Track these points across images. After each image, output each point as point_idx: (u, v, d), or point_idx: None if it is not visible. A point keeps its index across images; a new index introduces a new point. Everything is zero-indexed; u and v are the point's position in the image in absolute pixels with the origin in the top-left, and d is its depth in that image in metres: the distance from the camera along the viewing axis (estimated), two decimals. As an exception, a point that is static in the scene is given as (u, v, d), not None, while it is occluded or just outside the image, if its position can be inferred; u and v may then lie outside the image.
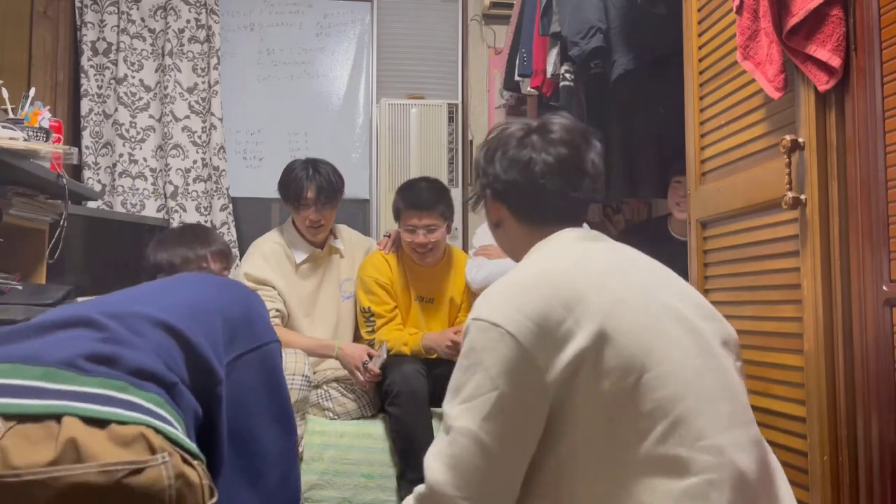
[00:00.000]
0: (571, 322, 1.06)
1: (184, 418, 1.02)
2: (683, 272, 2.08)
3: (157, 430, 0.93)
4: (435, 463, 1.09)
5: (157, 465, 0.89)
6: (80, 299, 1.91)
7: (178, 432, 0.96)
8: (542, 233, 1.26)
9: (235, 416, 1.21)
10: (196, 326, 1.16)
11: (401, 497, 2.42)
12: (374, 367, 2.53)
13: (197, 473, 0.95)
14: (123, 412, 0.92)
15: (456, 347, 2.45)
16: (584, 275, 1.13)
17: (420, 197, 2.67)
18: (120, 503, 0.86)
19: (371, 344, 2.69)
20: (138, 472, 0.87)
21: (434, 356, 2.59)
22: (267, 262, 2.73)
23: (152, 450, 0.90)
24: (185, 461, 0.94)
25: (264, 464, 1.26)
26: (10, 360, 0.96)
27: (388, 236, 2.85)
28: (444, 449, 1.08)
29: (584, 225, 1.30)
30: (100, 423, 0.90)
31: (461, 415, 1.08)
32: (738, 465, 1.07)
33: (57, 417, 0.89)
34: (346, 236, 2.93)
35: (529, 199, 1.26)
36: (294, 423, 1.35)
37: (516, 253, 1.30)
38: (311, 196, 2.67)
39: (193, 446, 0.98)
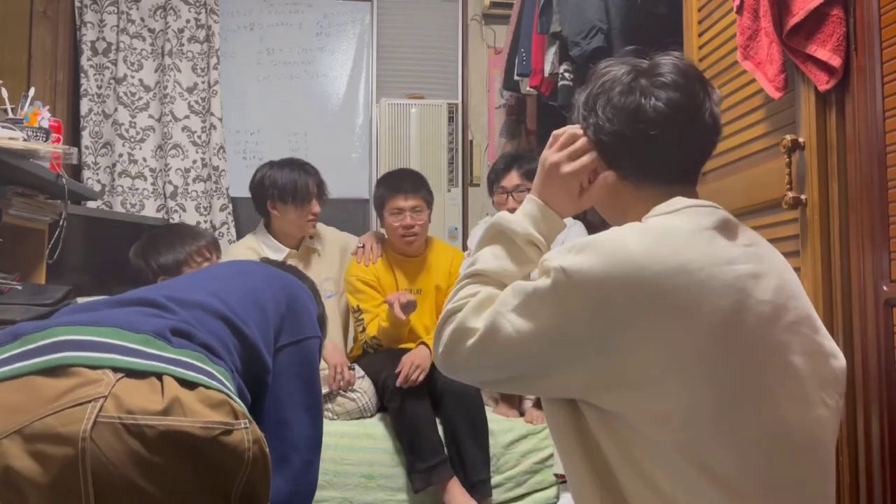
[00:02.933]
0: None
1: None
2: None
3: (233, 399, 1.05)
4: (471, 309, 1.05)
5: (241, 429, 1.01)
6: (79, 300, 1.91)
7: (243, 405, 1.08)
8: (648, 192, 1.07)
9: (272, 401, 1.34)
10: (250, 317, 1.28)
11: (413, 490, 2.41)
12: (350, 377, 2.55)
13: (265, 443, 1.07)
14: (208, 379, 1.05)
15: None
16: (704, 285, 0.94)
17: (402, 181, 2.74)
18: (210, 454, 0.98)
19: (368, 344, 2.69)
20: (229, 432, 0.99)
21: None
22: None
23: (235, 414, 1.02)
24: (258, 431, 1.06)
25: (293, 449, 1.39)
26: (111, 325, 1.08)
27: (362, 247, 2.84)
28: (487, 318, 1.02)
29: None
30: (191, 385, 1.02)
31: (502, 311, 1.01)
32: None
33: (158, 376, 1.01)
34: (323, 234, 2.92)
35: (635, 154, 1.07)
36: (322, 414, 1.46)
37: (618, 219, 1.12)
38: (314, 190, 2.73)
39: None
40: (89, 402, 0.95)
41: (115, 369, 1.01)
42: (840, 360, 1.06)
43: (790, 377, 0.98)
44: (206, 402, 1.00)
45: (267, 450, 1.05)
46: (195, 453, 0.97)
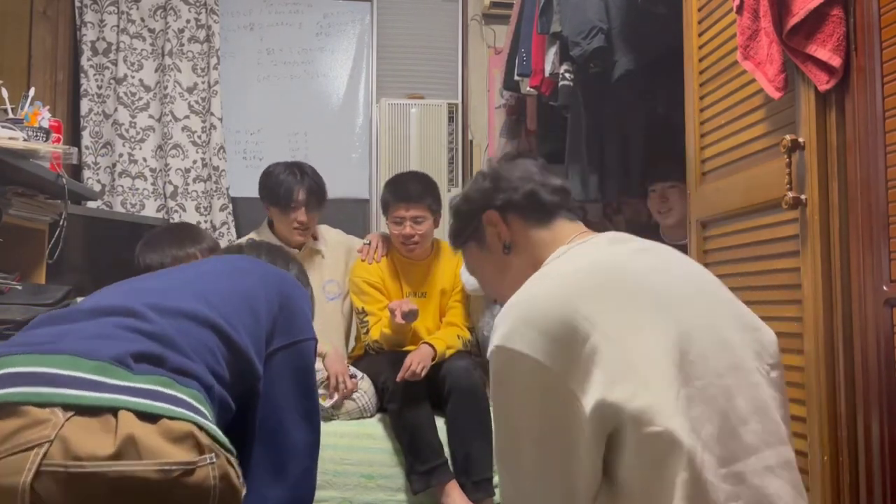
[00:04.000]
0: (590, 348, 1.01)
1: (215, 415, 1.06)
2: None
3: (201, 427, 0.96)
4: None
5: (206, 465, 0.93)
6: (79, 299, 1.91)
7: (217, 429, 1.00)
8: (553, 232, 1.25)
9: (267, 408, 1.26)
10: (240, 321, 1.20)
11: (412, 492, 2.41)
12: (352, 385, 2.55)
13: (236, 473, 0.99)
14: (172, 407, 0.96)
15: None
16: (606, 286, 1.08)
17: (407, 189, 2.70)
18: (170, 497, 0.90)
19: (370, 346, 2.69)
20: (191, 472, 0.91)
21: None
22: None
23: (200, 448, 0.94)
24: (228, 462, 0.98)
25: (289, 457, 1.30)
26: (67, 353, 0.98)
27: (368, 244, 2.84)
28: (505, 495, 1.08)
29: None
30: (151, 417, 0.93)
31: (508, 458, 1.07)
32: (763, 490, 1.03)
33: (113, 411, 0.92)
34: (328, 236, 2.91)
35: (539, 197, 1.26)
36: (319, 419, 1.38)
37: (540, 262, 1.23)
38: (301, 198, 2.67)
39: (227, 442, 1.01)
40: (33, 448, 0.86)
41: (66, 406, 0.91)
42: (768, 333, 1.17)
43: (726, 350, 1.08)
44: (167, 435, 0.92)
45: (237, 481, 0.98)
46: (152, 499, 0.89)
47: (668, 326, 1.04)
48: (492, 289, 1.31)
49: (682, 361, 1.02)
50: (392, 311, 2.52)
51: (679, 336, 1.04)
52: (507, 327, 1.05)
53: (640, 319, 1.04)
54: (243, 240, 2.81)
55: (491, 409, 1.12)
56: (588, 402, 0.98)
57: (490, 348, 1.08)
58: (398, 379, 2.42)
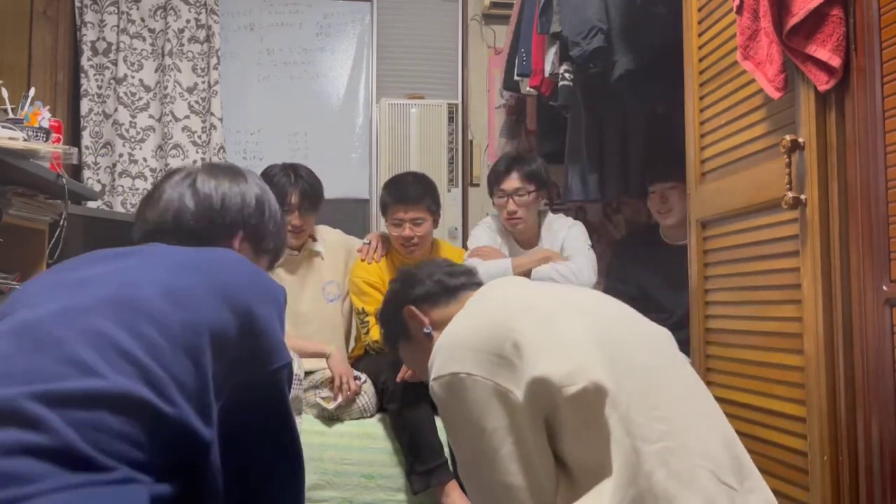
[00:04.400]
0: (511, 344, 1.15)
1: None
2: (678, 275, 2.08)
3: None
4: None
5: None
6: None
7: None
8: (464, 300, 1.41)
9: (235, 455, 0.99)
10: (179, 381, 0.90)
11: (412, 492, 2.41)
12: (356, 388, 2.55)
13: None
14: None
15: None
16: (511, 307, 1.27)
17: (406, 190, 2.69)
18: None
19: (370, 346, 2.69)
20: None
21: None
22: None
23: None
24: None
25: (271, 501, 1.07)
26: None
27: (368, 244, 2.83)
28: None
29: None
30: None
31: (474, 478, 1.17)
32: (691, 433, 1.14)
33: None
34: (327, 237, 2.90)
35: (444, 283, 1.46)
36: (301, 453, 1.12)
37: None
38: (294, 201, 2.65)
39: None
40: None
41: None
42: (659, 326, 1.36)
43: (641, 332, 1.30)
44: None
45: None
46: None
47: (584, 318, 1.21)
48: (427, 373, 1.40)
49: (600, 337, 1.17)
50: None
51: (595, 323, 1.21)
52: (437, 361, 1.21)
53: (556, 315, 1.20)
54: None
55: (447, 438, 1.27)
56: (520, 388, 1.12)
57: (430, 386, 1.22)
58: (398, 380, 2.42)
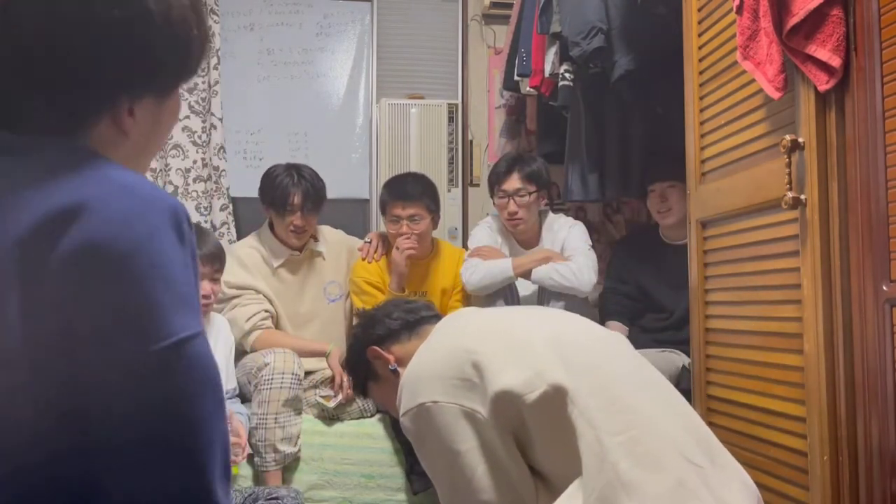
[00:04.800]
0: (471, 365, 1.20)
1: None
2: (678, 274, 2.08)
3: None
4: None
5: None
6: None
7: None
8: (424, 334, 1.45)
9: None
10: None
11: (413, 491, 2.41)
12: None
13: None
14: None
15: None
16: (467, 332, 1.32)
17: (404, 188, 2.70)
18: None
19: None
20: None
21: None
22: (244, 268, 2.70)
23: None
24: None
25: None
26: None
27: (369, 242, 2.83)
28: None
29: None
30: None
31: (463, 501, 1.19)
32: (661, 419, 1.17)
33: None
34: (328, 237, 2.90)
35: (405, 320, 1.50)
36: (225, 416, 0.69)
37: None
38: (297, 202, 2.65)
39: None
40: None
41: None
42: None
43: (594, 334, 1.35)
44: None
45: None
46: None
47: (538, 325, 1.26)
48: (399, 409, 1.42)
49: (555, 341, 1.20)
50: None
51: (549, 328, 1.25)
52: (403, 399, 1.25)
53: (511, 328, 1.25)
54: (244, 247, 2.78)
55: (422, 464, 1.28)
56: (485, 406, 1.15)
57: (402, 423, 1.25)
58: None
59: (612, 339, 1.35)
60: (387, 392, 1.49)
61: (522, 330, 1.26)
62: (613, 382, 1.18)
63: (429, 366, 1.25)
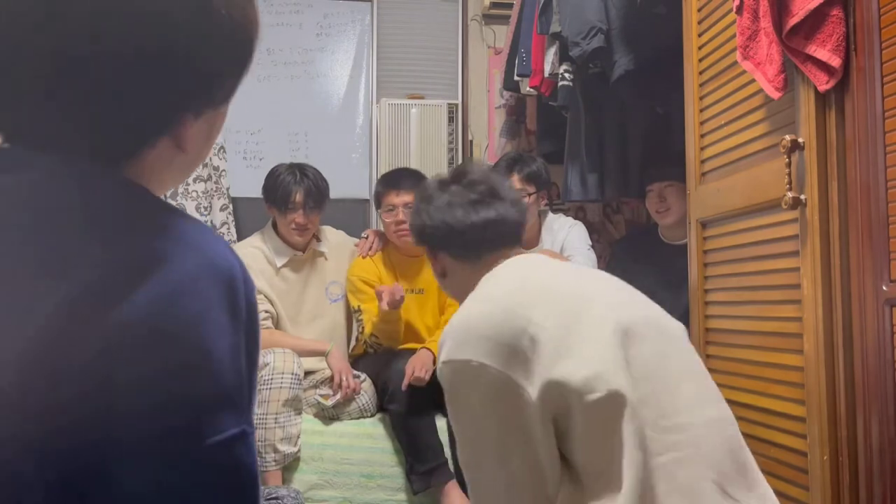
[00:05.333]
0: (528, 338, 1.11)
1: None
2: (678, 274, 2.08)
3: None
4: None
5: None
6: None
7: None
8: (482, 265, 1.32)
9: None
10: None
11: (412, 492, 2.42)
12: (355, 385, 2.54)
13: None
14: None
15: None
16: (530, 291, 1.20)
17: (398, 177, 2.74)
18: None
19: (368, 343, 2.69)
20: None
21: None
22: (247, 268, 2.71)
23: None
24: None
25: None
26: None
27: (366, 237, 2.84)
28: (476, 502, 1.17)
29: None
30: None
31: (474, 468, 1.15)
32: (705, 441, 1.12)
33: None
34: (331, 238, 2.91)
35: (460, 238, 1.35)
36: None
37: (467, 293, 1.32)
38: (299, 200, 2.66)
39: None
40: None
41: None
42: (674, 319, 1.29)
43: (662, 329, 1.23)
44: None
45: None
46: None
47: (603, 313, 1.16)
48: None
49: (621, 334, 1.13)
50: (378, 295, 2.52)
51: (617, 319, 1.15)
52: (448, 344, 1.17)
53: (576, 313, 1.15)
54: (247, 247, 2.80)
55: (450, 419, 1.20)
56: (534, 387, 1.08)
57: (438, 367, 1.19)
58: (403, 387, 2.41)
59: (676, 335, 1.24)
60: (441, 281, 1.44)
61: (592, 312, 1.14)
62: (669, 393, 1.12)
63: (483, 321, 1.15)
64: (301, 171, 2.71)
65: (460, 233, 1.33)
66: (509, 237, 1.36)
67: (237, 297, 0.58)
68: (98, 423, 0.52)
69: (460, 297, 1.34)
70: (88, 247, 0.56)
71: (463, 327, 1.17)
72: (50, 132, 0.61)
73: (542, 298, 1.17)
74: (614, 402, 1.06)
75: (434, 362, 2.47)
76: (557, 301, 1.17)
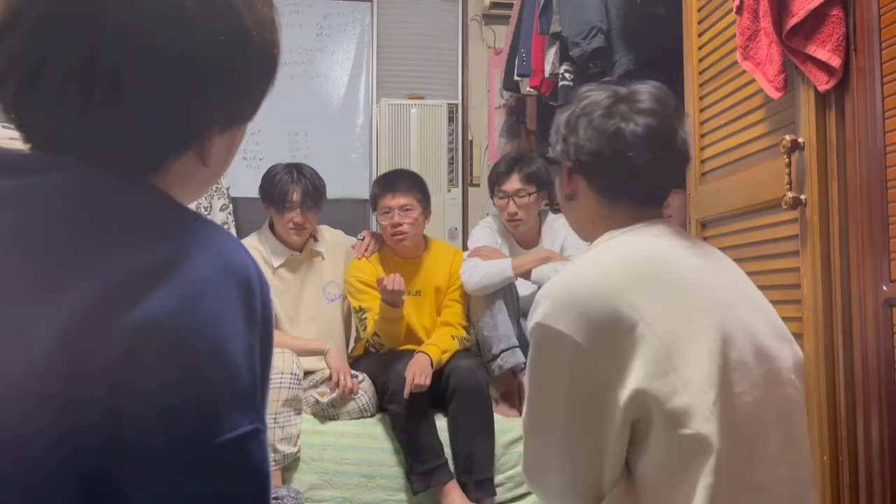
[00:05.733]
0: (629, 328, 1.01)
1: None
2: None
3: None
4: (532, 485, 1.14)
5: None
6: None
7: None
8: (619, 212, 1.16)
9: None
10: None
11: (412, 492, 2.42)
12: (353, 385, 2.54)
13: None
14: None
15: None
16: (656, 278, 1.06)
17: (394, 180, 2.73)
18: None
19: (370, 343, 2.69)
20: None
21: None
22: None
23: None
24: None
25: None
26: None
27: (362, 240, 2.84)
28: (528, 469, 1.12)
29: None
30: None
31: (536, 434, 1.09)
32: (774, 501, 1.05)
33: None
34: (328, 237, 2.91)
35: (612, 173, 1.15)
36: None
37: (588, 232, 1.22)
38: (296, 199, 2.67)
39: None
40: None
41: None
42: (797, 348, 1.15)
43: (763, 359, 1.07)
44: None
45: None
46: None
47: (713, 329, 1.03)
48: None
49: (723, 366, 1.01)
50: (379, 283, 2.52)
51: (722, 339, 1.02)
52: (548, 306, 1.05)
53: (687, 318, 1.03)
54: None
55: (526, 378, 1.11)
56: (626, 388, 0.99)
57: (531, 323, 1.07)
58: (405, 396, 2.41)
59: (779, 361, 1.09)
60: (564, 203, 1.25)
61: (694, 324, 1.03)
62: (754, 440, 1.03)
63: (586, 298, 1.03)
64: (298, 171, 2.71)
65: (615, 169, 1.15)
66: (659, 196, 1.20)
67: (253, 299, 0.60)
68: (118, 423, 0.54)
69: (578, 229, 1.25)
70: (111, 248, 0.58)
71: (567, 290, 1.06)
72: (79, 140, 0.62)
73: (656, 294, 1.04)
74: (700, 446, 0.98)
75: (432, 365, 2.47)
76: (671, 301, 1.04)
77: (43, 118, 0.63)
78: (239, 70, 0.67)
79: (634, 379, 0.99)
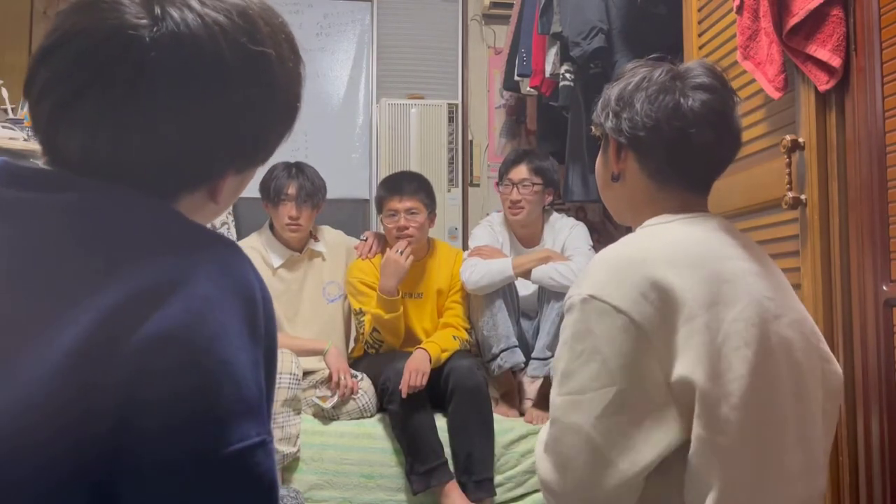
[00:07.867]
0: (692, 326, 0.97)
1: None
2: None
3: None
4: (544, 460, 1.04)
5: None
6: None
7: None
8: (667, 196, 1.11)
9: None
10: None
11: (412, 492, 2.42)
12: (353, 385, 2.54)
13: None
14: None
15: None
16: (714, 276, 1.01)
17: (400, 183, 2.72)
18: None
19: (369, 343, 2.69)
20: None
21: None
22: None
23: None
24: None
25: None
26: None
27: (365, 240, 2.84)
28: (553, 445, 1.02)
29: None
30: None
31: (570, 409, 1.00)
32: None
33: None
34: (328, 237, 2.91)
35: (671, 150, 1.08)
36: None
37: (631, 216, 1.16)
38: (291, 192, 2.67)
39: None
40: None
41: None
42: (836, 368, 1.11)
43: (796, 374, 1.03)
44: None
45: None
46: None
47: (757, 342, 1.00)
48: (598, 186, 1.18)
49: (760, 385, 0.99)
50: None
51: (765, 353, 1.00)
52: (600, 278, 1.00)
53: (735, 323, 0.99)
54: (245, 247, 2.81)
55: (560, 353, 1.04)
56: (675, 373, 0.96)
57: (576, 296, 1.01)
58: (403, 396, 2.41)
59: (807, 374, 1.06)
60: (599, 165, 1.19)
61: (741, 334, 0.99)
62: (776, 459, 1.00)
63: (639, 274, 0.99)
64: (297, 168, 2.73)
65: (672, 147, 1.08)
66: (710, 181, 1.15)
67: (257, 315, 0.62)
68: (128, 434, 0.55)
69: (619, 212, 1.19)
70: (122, 264, 0.60)
71: (621, 260, 1.01)
72: (106, 164, 0.65)
73: (707, 280, 1.00)
74: (724, 459, 0.96)
75: (430, 362, 2.47)
76: (722, 295, 1.00)
77: (75, 140, 0.65)
78: (265, 121, 0.72)
79: (682, 367, 0.96)
